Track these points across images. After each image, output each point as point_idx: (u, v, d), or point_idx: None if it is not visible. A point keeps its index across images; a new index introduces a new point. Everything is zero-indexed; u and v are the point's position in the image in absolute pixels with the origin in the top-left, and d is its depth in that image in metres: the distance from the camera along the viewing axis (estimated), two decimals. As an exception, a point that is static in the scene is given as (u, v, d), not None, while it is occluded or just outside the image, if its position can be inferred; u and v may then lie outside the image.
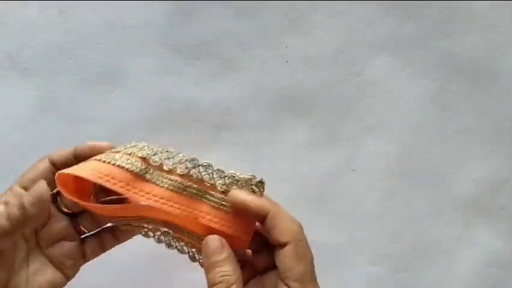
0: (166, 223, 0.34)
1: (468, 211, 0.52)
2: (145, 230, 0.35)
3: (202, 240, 0.33)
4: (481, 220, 0.52)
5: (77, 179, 0.33)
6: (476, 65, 0.52)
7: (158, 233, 0.36)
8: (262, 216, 0.32)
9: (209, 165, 0.33)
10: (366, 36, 0.51)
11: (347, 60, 0.51)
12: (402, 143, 0.51)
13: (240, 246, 0.33)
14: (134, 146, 0.34)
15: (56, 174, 0.32)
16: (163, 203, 0.32)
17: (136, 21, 0.49)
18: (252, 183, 0.33)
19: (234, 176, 0.33)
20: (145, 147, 0.33)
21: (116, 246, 0.49)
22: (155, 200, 0.32)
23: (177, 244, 0.36)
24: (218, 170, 0.33)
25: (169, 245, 0.36)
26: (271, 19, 0.50)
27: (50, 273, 0.34)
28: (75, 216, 0.35)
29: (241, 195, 0.32)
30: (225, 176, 0.33)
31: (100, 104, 0.49)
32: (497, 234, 0.52)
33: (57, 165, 0.34)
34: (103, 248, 0.37)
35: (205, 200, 0.33)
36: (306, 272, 0.33)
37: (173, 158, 0.33)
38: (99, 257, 0.50)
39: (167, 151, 0.34)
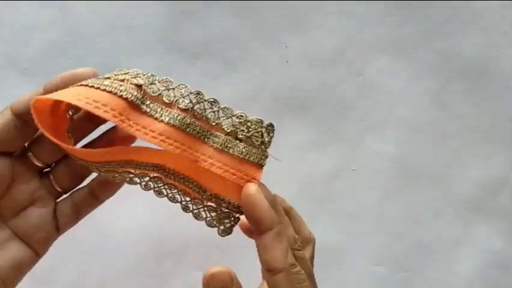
0: (157, 167, 0.29)
1: (468, 211, 0.52)
2: (131, 175, 0.29)
3: (198, 187, 0.29)
4: (481, 220, 0.52)
5: (54, 115, 0.28)
6: (476, 65, 0.52)
7: (147, 178, 0.30)
8: (262, 230, 0.27)
9: (215, 101, 0.29)
10: (366, 36, 0.51)
11: (347, 60, 0.51)
12: (402, 143, 0.51)
13: (256, 175, 0.30)
14: (126, 73, 0.28)
15: (33, 100, 0.27)
16: (161, 140, 0.27)
17: (136, 21, 0.49)
18: (263, 125, 0.30)
19: (243, 116, 0.29)
20: (140, 75, 0.28)
21: (116, 246, 0.49)
22: (152, 136, 0.27)
23: (168, 191, 0.30)
24: (225, 107, 0.29)
25: (159, 192, 0.31)
26: (271, 19, 0.50)
27: (15, 249, 0.28)
28: (46, 173, 0.29)
29: (256, 197, 0.27)
30: (232, 116, 0.29)
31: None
32: (497, 234, 0.52)
33: (22, 116, 0.27)
34: (79, 213, 0.30)
35: (209, 141, 0.28)
36: (283, 264, 0.28)
37: (174, 89, 0.28)
38: (99, 257, 0.50)
39: (166, 81, 0.29)
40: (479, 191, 0.52)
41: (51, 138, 0.27)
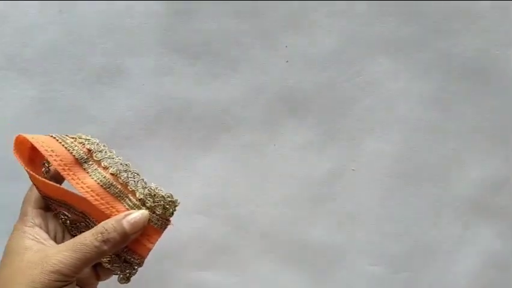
0: (82, 213, 0.38)
1: (468, 211, 0.52)
2: (65, 217, 0.39)
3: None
4: (481, 220, 0.52)
5: (34, 151, 0.38)
6: (476, 65, 0.52)
7: (75, 224, 0.39)
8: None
9: (137, 174, 0.38)
10: (366, 36, 0.51)
11: (347, 60, 0.51)
12: (402, 143, 0.51)
13: (140, 252, 0.38)
14: (87, 139, 0.38)
15: (15, 136, 0.37)
16: (86, 192, 0.36)
17: (136, 21, 0.49)
18: (166, 201, 0.37)
19: (152, 189, 0.37)
20: (95, 143, 0.38)
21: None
22: (82, 187, 0.36)
23: None
24: (143, 180, 0.37)
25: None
26: (271, 19, 0.50)
27: None
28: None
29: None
30: (145, 187, 0.37)
31: (100, 104, 0.49)
32: (497, 234, 0.52)
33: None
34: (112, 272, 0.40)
35: (124, 202, 0.37)
36: None
37: (112, 158, 0.38)
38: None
39: (110, 152, 0.38)
40: (479, 191, 0.52)
41: (24, 166, 0.37)
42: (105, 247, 0.34)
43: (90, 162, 0.37)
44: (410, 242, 0.51)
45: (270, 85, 0.50)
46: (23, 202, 0.39)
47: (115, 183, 0.37)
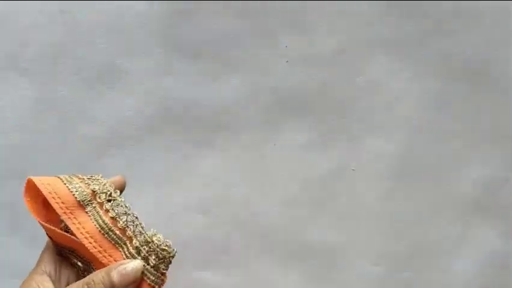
0: (87, 261, 0.36)
1: (468, 211, 0.52)
2: (77, 266, 0.37)
3: None
4: (481, 220, 0.52)
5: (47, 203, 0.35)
6: (476, 65, 0.52)
7: (87, 272, 0.36)
8: None
9: (136, 218, 0.35)
10: (366, 36, 0.51)
11: (347, 60, 0.51)
12: (402, 143, 0.51)
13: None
14: (96, 180, 0.36)
15: (26, 180, 0.34)
16: (85, 238, 0.34)
17: (136, 21, 0.49)
18: (160, 249, 0.35)
19: (147, 236, 0.35)
20: (102, 184, 0.35)
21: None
22: (81, 232, 0.34)
23: None
24: (141, 225, 0.35)
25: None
26: (271, 19, 0.50)
27: None
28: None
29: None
30: (142, 233, 0.35)
31: (100, 104, 0.49)
32: (497, 234, 0.52)
33: None
34: None
35: (121, 249, 0.34)
36: None
37: (114, 201, 0.35)
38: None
39: (115, 194, 0.36)
40: (479, 191, 0.52)
41: (33, 213, 0.35)
42: None
43: (93, 205, 0.35)
44: (410, 242, 0.51)
45: (270, 85, 0.50)
46: (44, 248, 0.38)
47: (113, 228, 0.35)
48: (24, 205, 0.46)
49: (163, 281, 0.36)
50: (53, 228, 0.35)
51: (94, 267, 0.35)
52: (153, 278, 0.35)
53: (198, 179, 0.50)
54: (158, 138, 0.49)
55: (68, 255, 0.36)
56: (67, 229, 0.36)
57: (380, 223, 0.51)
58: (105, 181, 0.36)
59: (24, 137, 0.48)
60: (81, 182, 0.35)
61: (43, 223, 0.35)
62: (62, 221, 0.36)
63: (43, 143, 0.49)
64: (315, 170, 0.50)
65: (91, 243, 0.34)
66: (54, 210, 0.35)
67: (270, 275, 0.50)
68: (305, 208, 0.51)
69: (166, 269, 0.36)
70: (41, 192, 0.35)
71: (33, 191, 0.35)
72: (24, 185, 0.35)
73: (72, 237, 0.34)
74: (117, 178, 0.36)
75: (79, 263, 0.36)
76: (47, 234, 0.36)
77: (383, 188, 0.51)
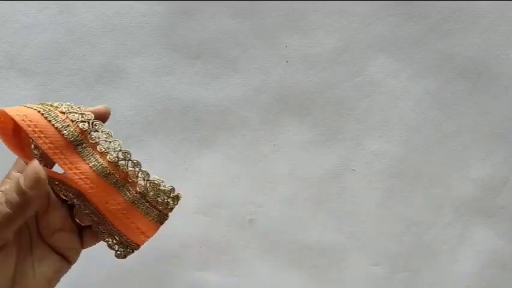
0: (83, 196, 0.34)
1: (468, 211, 0.52)
2: (69, 197, 0.35)
3: (106, 222, 0.35)
4: (481, 220, 0.52)
5: (18, 125, 0.32)
6: (476, 65, 0.52)
7: (75, 200, 0.35)
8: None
9: (138, 163, 0.34)
10: (366, 36, 0.51)
11: (347, 60, 0.51)
12: (402, 143, 0.51)
13: (136, 241, 0.35)
14: (80, 114, 0.33)
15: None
16: (80, 179, 0.32)
17: (136, 21, 0.49)
18: (168, 195, 0.34)
19: (153, 183, 0.34)
20: (89, 121, 0.33)
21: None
22: (75, 173, 0.32)
23: (87, 211, 0.36)
24: (144, 171, 0.34)
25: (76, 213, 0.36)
26: (271, 19, 0.50)
27: (54, 260, 0.34)
28: (71, 207, 0.36)
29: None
30: (148, 180, 0.34)
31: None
32: (497, 234, 0.52)
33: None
34: (97, 239, 0.37)
35: (122, 193, 0.33)
36: None
37: (110, 142, 0.33)
38: (99, 257, 0.50)
39: (107, 133, 0.34)
40: (479, 191, 0.52)
41: (13, 150, 0.33)
42: (7, 209, 0.30)
43: (84, 145, 0.33)
44: (410, 242, 0.51)
45: (270, 85, 0.50)
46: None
47: (113, 172, 0.33)
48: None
49: (165, 219, 0.35)
50: (48, 170, 0.33)
51: (92, 200, 0.34)
52: (157, 218, 0.35)
53: (198, 179, 0.50)
54: (158, 138, 0.49)
55: (57, 186, 0.34)
56: (41, 154, 0.34)
57: (380, 223, 0.51)
58: (92, 115, 0.33)
59: (24, 137, 0.48)
60: (66, 117, 0.33)
61: (25, 159, 0.33)
62: (35, 146, 0.35)
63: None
64: (315, 170, 0.50)
65: (87, 184, 0.32)
66: (24, 135, 0.34)
67: (270, 275, 0.50)
68: (305, 208, 0.51)
69: (171, 211, 0.35)
70: (11, 122, 0.33)
71: (4, 124, 0.33)
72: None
73: (61, 174, 0.33)
74: (100, 108, 0.34)
75: (68, 193, 0.35)
76: (25, 163, 0.34)
77: (383, 188, 0.51)
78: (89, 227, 0.36)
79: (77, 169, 0.32)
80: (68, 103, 0.33)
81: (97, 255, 0.50)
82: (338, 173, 0.51)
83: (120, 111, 0.49)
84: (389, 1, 0.51)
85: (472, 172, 0.52)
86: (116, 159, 0.33)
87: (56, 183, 0.34)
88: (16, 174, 0.32)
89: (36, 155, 0.35)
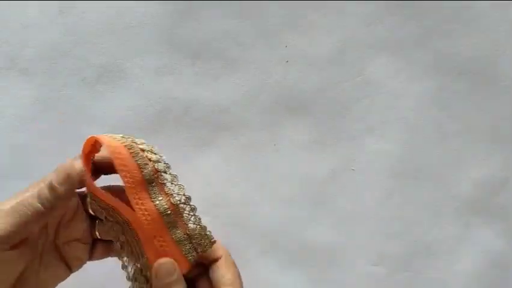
0: (127, 223, 0.37)
1: (468, 211, 0.52)
2: (98, 211, 0.37)
3: (141, 251, 0.37)
4: (481, 220, 0.52)
5: (92, 151, 0.37)
6: (476, 65, 0.52)
7: (120, 236, 0.38)
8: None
9: (195, 209, 0.37)
10: (366, 36, 0.51)
11: (347, 60, 0.51)
12: (402, 143, 0.51)
13: (182, 268, 0.36)
14: (156, 154, 0.37)
15: (89, 136, 0.36)
16: (143, 215, 0.35)
17: (136, 21, 0.49)
18: (210, 240, 0.38)
19: (202, 228, 0.37)
20: (162, 163, 0.37)
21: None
22: (140, 209, 0.35)
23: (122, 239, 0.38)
24: (197, 216, 0.37)
25: (115, 237, 0.38)
26: (271, 19, 0.50)
27: (59, 269, 0.35)
28: (94, 220, 0.37)
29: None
30: (197, 224, 0.37)
31: (100, 104, 0.49)
32: (497, 234, 0.52)
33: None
34: (109, 254, 0.38)
35: (172, 232, 0.36)
36: (236, 278, 0.36)
37: (175, 185, 0.37)
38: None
39: (174, 176, 0.37)
40: (479, 191, 0.52)
41: (87, 171, 0.35)
42: (39, 204, 0.31)
43: (153, 184, 0.36)
44: (410, 242, 0.51)
45: (270, 85, 0.50)
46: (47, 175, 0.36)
47: (170, 212, 0.36)
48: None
49: (195, 260, 0.38)
50: (105, 192, 0.36)
51: (140, 237, 0.36)
52: (191, 259, 0.37)
53: (198, 179, 0.50)
54: (159, 138, 0.49)
55: (100, 209, 0.36)
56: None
57: (380, 223, 0.51)
58: (164, 157, 0.37)
59: (24, 137, 0.48)
60: (146, 156, 0.36)
61: (96, 188, 0.36)
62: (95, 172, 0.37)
63: (43, 143, 0.49)
64: (315, 170, 0.50)
65: (147, 220, 0.35)
66: (89, 164, 0.37)
67: (270, 275, 0.50)
68: (305, 208, 0.51)
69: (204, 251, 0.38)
70: (90, 149, 0.37)
71: (89, 148, 0.37)
72: (86, 140, 0.36)
73: (120, 202, 0.36)
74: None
75: (109, 218, 0.37)
76: (90, 191, 0.36)
77: (383, 188, 0.51)
78: (103, 241, 0.38)
79: (143, 205, 0.36)
80: (143, 141, 0.37)
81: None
82: (338, 173, 0.51)
83: (120, 111, 0.49)
84: (389, 1, 0.51)
85: (472, 172, 0.52)
86: (178, 202, 0.36)
87: (93, 200, 0.37)
88: (51, 173, 0.34)
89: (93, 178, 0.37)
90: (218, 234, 0.50)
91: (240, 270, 0.46)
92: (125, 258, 0.38)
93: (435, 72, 0.52)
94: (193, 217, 0.37)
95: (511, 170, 0.52)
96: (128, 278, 0.38)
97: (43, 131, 0.49)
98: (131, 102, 0.49)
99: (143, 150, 0.36)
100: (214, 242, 0.38)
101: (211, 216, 0.50)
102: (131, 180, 0.35)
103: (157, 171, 0.36)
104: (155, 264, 0.34)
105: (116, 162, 0.35)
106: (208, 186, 0.49)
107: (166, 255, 0.36)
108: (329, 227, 0.51)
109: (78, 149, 0.49)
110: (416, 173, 0.51)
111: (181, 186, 0.37)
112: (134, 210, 0.35)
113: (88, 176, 0.36)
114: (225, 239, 0.51)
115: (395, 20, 0.51)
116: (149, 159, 0.36)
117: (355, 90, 0.51)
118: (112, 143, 0.36)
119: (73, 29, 0.49)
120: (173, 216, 0.36)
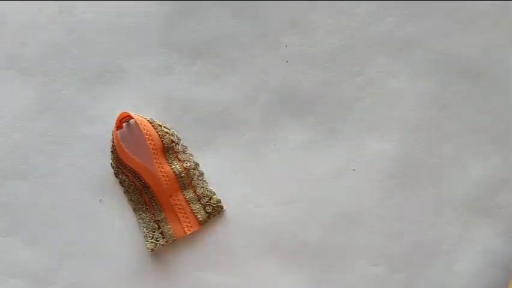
0: (148, 192, 0.47)
1: (468, 211, 0.52)
2: (128, 182, 0.47)
3: (159, 208, 0.47)
4: (481, 220, 0.52)
5: (121, 123, 0.47)
6: (476, 65, 0.52)
7: (131, 186, 0.47)
8: None
9: (202, 174, 0.48)
10: (366, 36, 0.51)
11: (347, 60, 0.51)
12: (402, 143, 0.51)
13: (176, 232, 0.47)
14: (171, 132, 0.47)
15: (121, 113, 0.46)
16: (163, 176, 0.46)
17: (136, 21, 0.49)
18: (216, 205, 0.48)
19: (209, 191, 0.48)
20: (176, 136, 0.47)
21: (117, 246, 0.50)
22: (160, 171, 0.45)
23: (134, 196, 0.48)
24: (205, 181, 0.48)
25: (128, 192, 0.48)
26: (271, 19, 0.50)
27: None
28: None
29: None
30: (205, 188, 0.48)
31: (100, 104, 0.49)
32: (497, 234, 0.52)
33: None
34: None
35: (184, 192, 0.47)
36: None
37: (186, 154, 0.48)
38: (99, 257, 0.50)
39: (185, 147, 0.48)
40: (479, 191, 0.52)
41: (118, 139, 0.46)
42: None
43: (170, 152, 0.46)
44: (410, 242, 0.51)
45: (270, 85, 0.50)
46: None
47: (184, 175, 0.46)
48: (23, 205, 0.46)
49: (205, 222, 0.48)
50: (132, 156, 0.45)
51: (152, 192, 0.46)
52: (202, 220, 0.48)
53: (198, 179, 0.50)
54: (158, 138, 0.49)
55: (124, 172, 0.47)
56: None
57: (380, 223, 0.51)
58: (177, 134, 0.48)
59: (24, 137, 0.48)
60: (159, 126, 0.46)
61: (128, 153, 0.45)
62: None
63: (43, 143, 0.49)
64: (315, 170, 0.50)
65: (165, 180, 0.46)
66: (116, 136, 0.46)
67: (270, 275, 0.50)
68: (305, 208, 0.51)
69: (214, 215, 0.48)
70: (122, 120, 0.47)
71: (120, 120, 0.47)
72: (119, 115, 0.46)
73: (145, 165, 0.45)
74: None
75: (134, 181, 0.47)
76: (119, 155, 0.46)
77: (383, 188, 0.51)
78: None
79: (162, 168, 0.46)
80: (166, 125, 0.48)
81: (96, 255, 0.50)
82: (338, 173, 0.51)
83: (120, 111, 0.49)
84: (389, 1, 0.51)
85: (472, 172, 0.52)
86: (189, 167, 0.47)
87: (118, 167, 0.47)
88: None
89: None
90: (218, 234, 0.51)
91: (240, 270, 0.46)
92: (144, 228, 0.47)
93: (435, 72, 0.52)
94: (201, 181, 0.47)
95: (511, 170, 0.52)
96: (150, 246, 0.47)
97: (43, 131, 0.49)
98: (131, 102, 0.49)
99: (160, 125, 0.46)
100: (221, 206, 0.47)
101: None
102: (154, 147, 0.45)
103: (172, 141, 0.46)
104: None
105: (144, 132, 0.45)
106: (208, 186, 0.49)
107: (180, 212, 0.46)
108: (329, 227, 0.51)
109: (78, 149, 0.49)
110: (416, 173, 0.51)
111: (191, 155, 0.47)
112: (155, 172, 0.45)
113: (118, 141, 0.45)
114: (225, 239, 0.51)
115: (395, 20, 0.51)
116: (166, 132, 0.46)
117: (355, 90, 0.51)
118: (139, 118, 0.46)
119: (73, 29, 0.49)
120: (185, 178, 0.46)
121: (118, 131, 0.47)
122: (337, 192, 0.51)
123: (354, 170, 0.51)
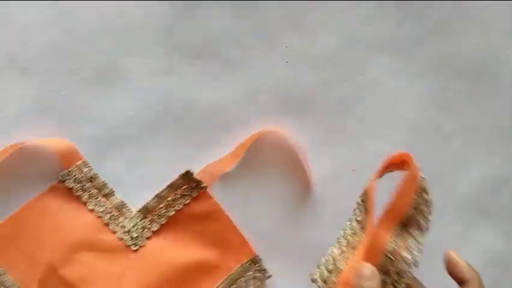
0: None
1: (468, 211, 0.52)
2: None
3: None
4: (481, 220, 0.52)
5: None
6: (476, 65, 0.52)
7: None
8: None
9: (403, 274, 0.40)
10: (366, 36, 0.51)
11: (347, 60, 0.51)
12: (402, 143, 0.51)
13: None
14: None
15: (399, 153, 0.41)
16: (375, 242, 0.39)
17: (136, 21, 0.49)
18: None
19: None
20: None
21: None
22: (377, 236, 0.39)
23: None
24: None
25: None
26: (271, 19, 0.50)
27: None
28: None
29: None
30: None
31: (100, 104, 0.49)
32: (497, 234, 0.52)
33: None
34: None
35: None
36: None
37: (417, 244, 0.41)
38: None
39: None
40: (479, 191, 0.52)
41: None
42: None
43: (402, 230, 0.41)
44: (410, 242, 0.51)
45: (270, 85, 0.50)
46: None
47: (391, 260, 0.40)
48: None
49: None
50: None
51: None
52: None
53: (198, 179, 0.50)
54: (158, 138, 0.49)
55: None
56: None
57: (380, 223, 0.51)
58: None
59: (24, 137, 0.48)
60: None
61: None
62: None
63: (43, 143, 0.49)
64: (315, 170, 0.50)
65: (373, 245, 0.39)
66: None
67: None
68: (305, 208, 0.51)
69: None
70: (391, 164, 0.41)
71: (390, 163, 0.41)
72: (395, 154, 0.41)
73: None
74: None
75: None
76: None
77: (383, 188, 0.51)
78: None
79: (380, 236, 0.39)
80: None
81: (97, 255, 0.50)
82: (338, 173, 0.51)
83: (120, 111, 0.49)
84: (389, 1, 0.51)
85: (472, 172, 0.52)
86: (404, 265, 0.40)
87: None
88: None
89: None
90: (218, 234, 0.50)
91: (240, 270, 0.46)
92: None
93: (435, 72, 0.52)
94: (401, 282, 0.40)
95: (511, 170, 0.52)
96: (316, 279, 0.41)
97: (43, 131, 0.49)
98: (131, 102, 0.49)
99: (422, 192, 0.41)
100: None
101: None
102: (392, 214, 0.40)
103: (413, 215, 0.40)
104: (358, 267, 0.36)
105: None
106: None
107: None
108: (329, 227, 0.51)
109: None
110: (416, 173, 0.51)
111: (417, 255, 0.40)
112: (372, 232, 0.39)
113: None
114: (225, 239, 0.51)
115: (395, 20, 0.51)
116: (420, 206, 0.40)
117: (355, 90, 0.51)
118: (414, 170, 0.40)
119: (73, 29, 0.49)
120: (389, 265, 0.39)
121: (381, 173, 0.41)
122: (337, 192, 0.50)
123: (354, 170, 0.51)
